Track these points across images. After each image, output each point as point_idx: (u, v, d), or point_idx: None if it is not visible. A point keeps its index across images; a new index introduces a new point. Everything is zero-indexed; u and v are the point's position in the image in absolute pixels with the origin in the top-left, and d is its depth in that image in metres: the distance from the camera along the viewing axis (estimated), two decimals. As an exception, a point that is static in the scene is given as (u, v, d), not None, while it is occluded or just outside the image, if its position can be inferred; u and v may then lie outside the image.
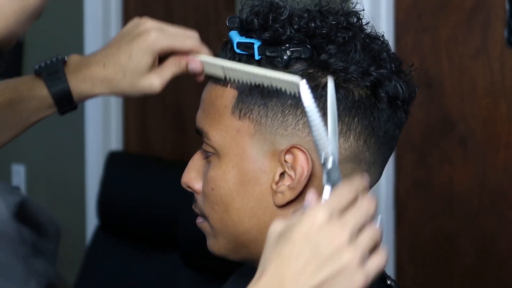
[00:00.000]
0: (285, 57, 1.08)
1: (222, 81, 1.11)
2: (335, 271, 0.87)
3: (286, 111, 1.08)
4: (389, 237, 2.34)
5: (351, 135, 1.09)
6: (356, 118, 1.09)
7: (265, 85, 1.06)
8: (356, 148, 1.10)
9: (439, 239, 2.29)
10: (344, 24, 1.11)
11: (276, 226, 0.93)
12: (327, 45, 1.09)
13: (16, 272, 0.78)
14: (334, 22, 1.10)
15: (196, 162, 1.16)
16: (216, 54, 1.16)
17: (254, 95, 1.09)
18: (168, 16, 2.83)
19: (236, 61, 1.11)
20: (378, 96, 1.11)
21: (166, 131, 2.93)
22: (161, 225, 2.58)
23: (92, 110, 3.08)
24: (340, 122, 1.07)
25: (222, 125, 1.11)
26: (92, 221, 3.03)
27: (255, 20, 1.10)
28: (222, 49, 1.14)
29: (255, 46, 1.09)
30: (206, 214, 1.14)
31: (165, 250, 2.55)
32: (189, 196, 1.20)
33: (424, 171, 2.32)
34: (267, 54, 1.09)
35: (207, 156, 1.13)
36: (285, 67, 1.08)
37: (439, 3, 2.26)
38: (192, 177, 1.16)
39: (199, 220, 1.17)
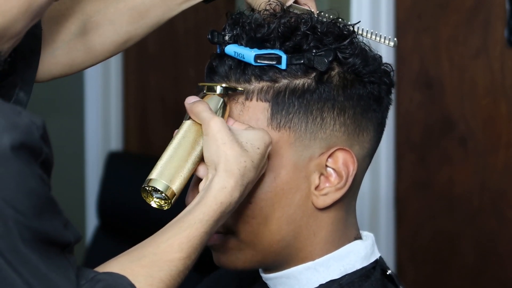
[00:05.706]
0: (319, 64, 1.07)
1: (245, 95, 1.09)
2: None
3: (325, 114, 1.08)
4: (389, 237, 2.34)
5: (371, 129, 1.11)
6: (373, 112, 1.11)
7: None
8: (374, 141, 1.12)
9: (439, 239, 2.29)
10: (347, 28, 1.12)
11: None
12: (348, 47, 1.09)
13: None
14: (346, 27, 1.11)
15: (200, 180, 1.10)
16: (210, 68, 1.14)
17: (291, 104, 1.07)
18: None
19: (234, 75, 1.10)
20: (383, 91, 1.13)
21: (166, 131, 2.93)
22: (161, 225, 2.56)
23: (92, 110, 3.08)
24: (364, 118, 1.10)
25: None
26: (92, 221, 3.03)
27: (275, 31, 1.08)
28: (218, 64, 1.12)
29: (284, 56, 1.07)
30: (234, 229, 1.10)
31: (165, 250, 2.55)
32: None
33: (424, 171, 2.32)
34: (294, 62, 1.07)
35: None
36: (320, 72, 1.08)
37: (439, 3, 2.27)
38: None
39: (214, 237, 1.11)
